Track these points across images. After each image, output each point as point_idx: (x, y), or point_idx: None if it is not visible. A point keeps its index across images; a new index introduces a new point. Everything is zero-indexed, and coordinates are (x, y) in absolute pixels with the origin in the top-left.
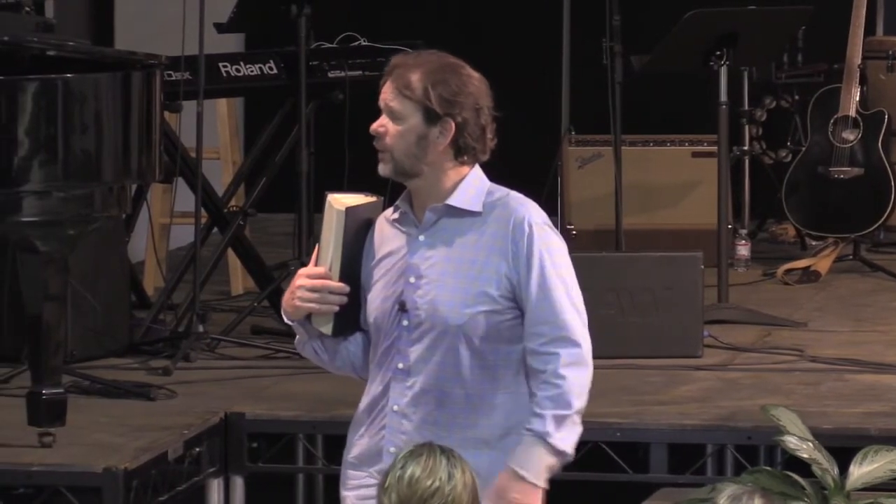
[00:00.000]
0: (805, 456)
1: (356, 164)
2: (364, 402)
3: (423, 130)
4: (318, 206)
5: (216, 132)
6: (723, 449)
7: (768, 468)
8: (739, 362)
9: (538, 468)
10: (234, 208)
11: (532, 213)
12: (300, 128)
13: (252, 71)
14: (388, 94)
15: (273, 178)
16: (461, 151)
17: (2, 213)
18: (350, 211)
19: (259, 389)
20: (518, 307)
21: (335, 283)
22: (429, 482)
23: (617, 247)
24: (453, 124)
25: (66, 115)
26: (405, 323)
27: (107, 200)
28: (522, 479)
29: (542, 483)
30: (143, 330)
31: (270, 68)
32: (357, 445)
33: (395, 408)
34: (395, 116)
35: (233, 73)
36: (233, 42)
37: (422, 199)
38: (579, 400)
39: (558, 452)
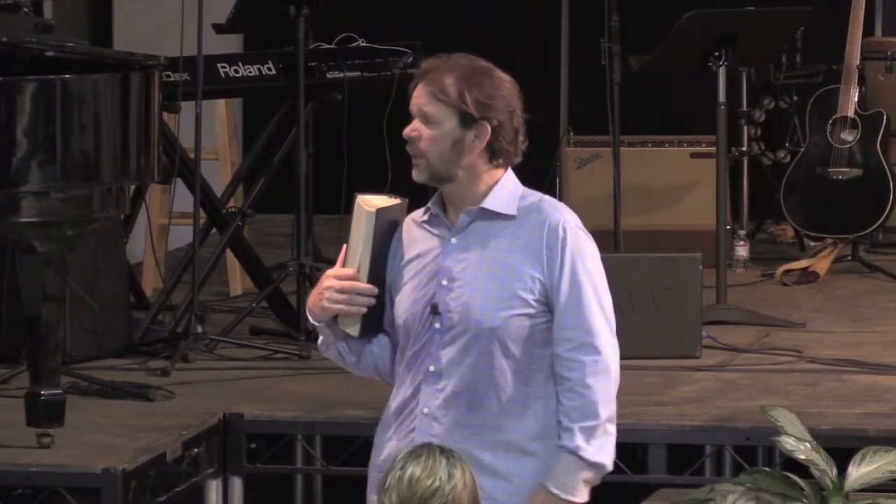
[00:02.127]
0: (802, 457)
1: (355, 164)
2: (393, 404)
3: (458, 134)
4: (317, 206)
5: (215, 133)
6: (721, 450)
7: (767, 469)
8: (738, 363)
9: (572, 484)
10: (233, 209)
11: (566, 216)
12: (299, 128)
13: (251, 72)
14: (421, 99)
15: (272, 178)
16: (496, 154)
17: (1, 213)
18: (380, 212)
19: (258, 390)
20: (550, 311)
21: (364, 285)
22: (429, 482)
23: (616, 247)
24: (489, 128)
25: (64, 115)
26: (437, 325)
27: (105, 201)
28: (556, 496)
29: (580, 498)
30: (141, 330)
31: (269, 69)
32: (386, 448)
33: (426, 410)
34: (429, 121)
35: (231, 73)
36: (231, 43)
37: (455, 202)
38: (606, 409)
39: (593, 465)
